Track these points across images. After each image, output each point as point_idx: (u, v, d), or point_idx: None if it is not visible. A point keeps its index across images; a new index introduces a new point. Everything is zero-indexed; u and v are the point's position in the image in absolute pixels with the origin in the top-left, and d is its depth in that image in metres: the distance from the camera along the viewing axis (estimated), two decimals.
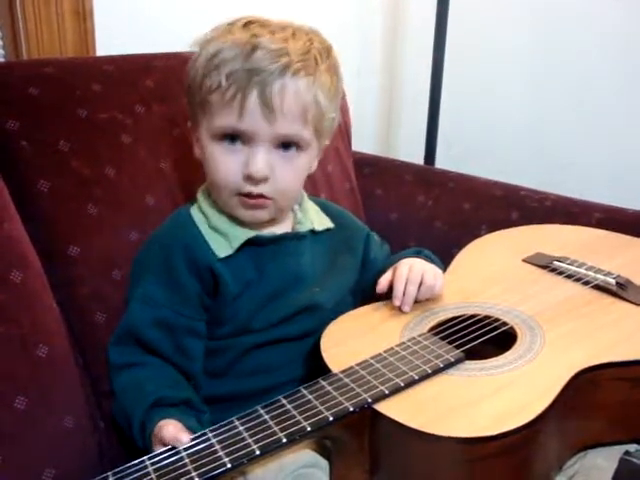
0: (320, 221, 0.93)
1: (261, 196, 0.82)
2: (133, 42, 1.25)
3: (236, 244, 0.85)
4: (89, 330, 0.89)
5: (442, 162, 1.60)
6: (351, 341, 0.81)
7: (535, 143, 1.68)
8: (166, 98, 1.03)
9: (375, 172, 1.40)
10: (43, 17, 1.15)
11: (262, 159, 0.80)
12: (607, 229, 1.11)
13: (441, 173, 1.37)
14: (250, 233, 0.86)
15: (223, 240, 0.85)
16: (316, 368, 0.78)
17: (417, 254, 0.95)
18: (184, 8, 1.36)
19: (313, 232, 0.92)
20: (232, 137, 0.80)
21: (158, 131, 1.01)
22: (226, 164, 0.81)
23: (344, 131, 1.37)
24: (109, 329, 0.89)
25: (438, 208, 1.30)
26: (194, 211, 0.89)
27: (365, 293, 0.97)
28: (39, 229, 0.87)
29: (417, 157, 1.60)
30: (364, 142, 1.57)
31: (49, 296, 0.84)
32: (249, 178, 0.81)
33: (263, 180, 0.81)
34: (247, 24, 0.80)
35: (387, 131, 1.95)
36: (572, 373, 0.72)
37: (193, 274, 0.83)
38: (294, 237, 0.89)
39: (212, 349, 0.85)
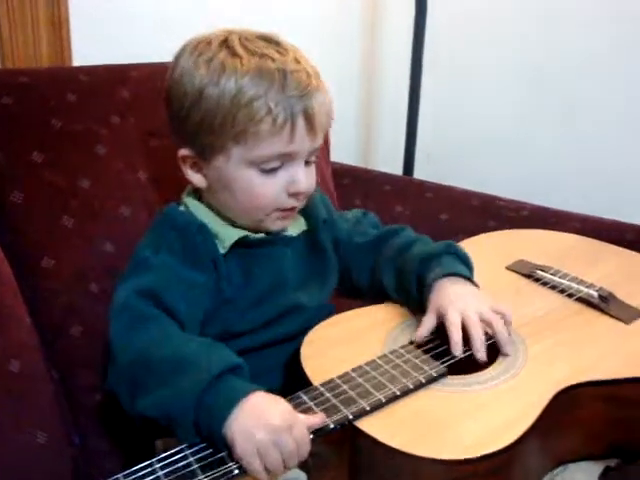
0: (297, 224, 0.92)
1: (295, 206, 0.85)
2: (110, 52, 1.23)
3: (228, 244, 0.84)
4: (65, 344, 0.88)
5: (421, 173, 1.60)
6: (332, 350, 0.81)
7: (514, 154, 1.70)
8: (142, 109, 1.02)
9: (354, 182, 1.40)
10: (18, 25, 1.14)
11: (305, 175, 0.82)
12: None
13: (419, 183, 1.38)
14: (240, 233, 0.85)
15: (216, 240, 0.85)
16: (297, 375, 0.78)
17: (447, 252, 0.90)
18: (162, 18, 1.35)
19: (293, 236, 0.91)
20: (275, 163, 0.80)
21: (134, 142, 1.00)
22: (269, 188, 0.81)
23: (323, 141, 1.37)
24: (86, 343, 0.88)
25: (416, 218, 1.29)
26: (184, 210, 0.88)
27: (344, 274, 0.97)
28: (13, 241, 0.86)
29: (396, 168, 1.60)
30: (343, 153, 1.57)
31: (22, 309, 0.82)
32: (296, 195, 0.83)
33: None
34: (240, 42, 0.79)
35: (366, 142, 1.95)
36: (554, 392, 0.71)
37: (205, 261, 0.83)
38: (280, 241, 0.89)
39: None
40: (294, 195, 0.82)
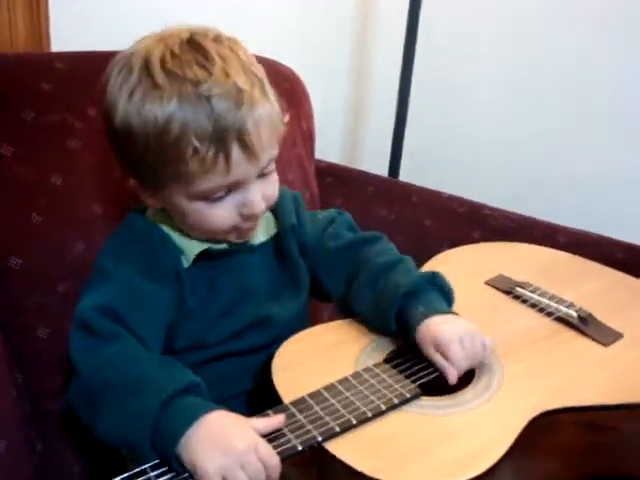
0: (267, 227, 0.89)
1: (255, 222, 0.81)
2: (92, 36, 1.19)
3: (190, 257, 0.81)
4: (30, 346, 0.85)
5: (407, 173, 1.58)
6: (304, 365, 0.78)
7: (503, 160, 1.67)
8: None
9: (337, 182, 1.37)
10: None
11: (257, 196, 0.77)
12: (571, 253, 1.10)
13: (404, 186, 1.34)
14: (202, 246, 0.82)
15: (179, 253, 0.82)
16: (267, 382, 0.76)
17: (431, 285, 0.84)
18: (146, 3, 1.31)
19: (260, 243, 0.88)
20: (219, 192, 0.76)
21: None
22: (219, 216, 0.76)
23: (307, 137, 1.34)
24: (52, 345, 0.85)
25: (399, 223, 1.27)
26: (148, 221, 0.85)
27: (314, 280, 0.93)
28: None
29: (382, 168, 1.57)
30: (329, 149, 1.54)
31: None
32: (250, 217, 0.78)
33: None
34: (162, 63, 0.71)
35: (353, 140, 1.92)
36: (530, 417, 0.70)
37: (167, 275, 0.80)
38: (245, 250, 0.86)
39: None
40: (248, 218, 0.78)
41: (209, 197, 0.75)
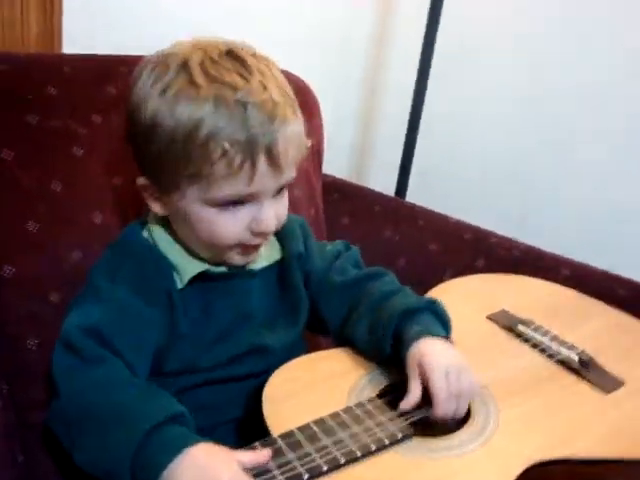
0: (270, 253, 0.87)
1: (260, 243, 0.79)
2: (105, 38, 1.18)
3: (186, 278, 0.79)
4: (18, 357, 0.83)
5: (414, 191, 1.56)
6: (296, 395, 0.76)
7: (511, 186, 1.65)
8: None
9: (343, 198, 1.35)
10: (5, 5, 1.08)
11: (272, 213, 0.76)
12: (574, 287, 1.08)
13: (411, 208, 1.32)
14: (200, 267, 0.80)
15: (174, 273, 0.80)
16: (257, 410, 0.74)
17: (428, 310, 0.83)
18: (160, 6, 1.29)
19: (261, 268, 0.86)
20: (236, 202, 0.74)
21: (114, 144, 0.94)
22: (228, 227, 0.75)
23: (315, 152, 1.32)
24: (41, 356, 0.83)
25: (404, 245, 1.25)
26: (146, 236, 0.83)
27: (313, 311, 0.92)
28: None
29: (389, 182, 1.55)
30: (337, 164, 1.53)
31: None
32: (260, 234, 0.77)
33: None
34: (202, 66, 0.71)
35: (362, 152, 1.90)
36: (524, 466, 0.68)
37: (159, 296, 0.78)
38: (245, 274, 0.84)
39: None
40: (258, 234, 0.77)
41: (223, 205, 0.73)
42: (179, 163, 0.71)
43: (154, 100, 0.72)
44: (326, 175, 1.38)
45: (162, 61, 0.74)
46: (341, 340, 0.88)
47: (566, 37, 1.50)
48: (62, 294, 0.85)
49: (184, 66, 0.72)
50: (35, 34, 1.12)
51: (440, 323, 0.82)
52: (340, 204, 1.34)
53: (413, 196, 1.49)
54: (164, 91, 0.71)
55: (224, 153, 0.69)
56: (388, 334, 0.80)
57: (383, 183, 1.53)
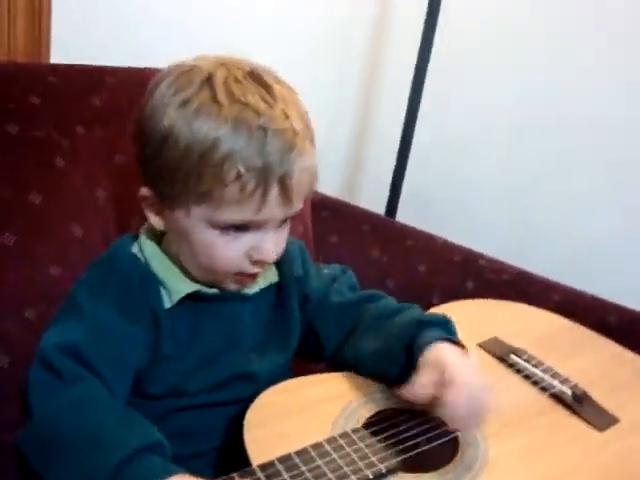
0: (267, 275, 0.84)
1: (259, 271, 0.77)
2: (95, 48, 1.16)
3: (176, 298, 0.76)
4: None
5: (405, 213, 1.54)
6: (279, 422, 0.73)
7: (503, 208, 1.64)
8: (112, 121, 0.95)
9: (332, 217, 1.32)
10: None
11: (273, 244, 0.73)
12: (565, 312, 1.05)
13: (400, 228, 1.30)
14: (192, 287, 0.77)
15: (164, 291, 0.77)
16: (238, 437, 0.71)
17: (444, 324, 0.82)
18: (155, 16, 1.27)
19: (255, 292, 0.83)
20: (240, 227, 0.72)
21: (97, 156, 0.92)
22: (227, 251, 0.72)
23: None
24: (12, 374, 0.80)
25: (392, 266, 1.23)
26: (136, 251, 0.79)
27: (308, 335, 0.89)
28: None
29: (379, 204, 1.54)
30: (326, 180, 1.51)
31: None
32: (259, 262, 0.74)
33: None
34: (226, 84, 0.69)
35: (352, 173, 1.89)
36: None
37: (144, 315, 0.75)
38: (238, 298, 0.81)
39: (132, 405, 0.76)
40: (257, 263, 0.74)
41: (227, 228, 0.71)
42: (190, 180, 0.68)
43: (173, 111, 0.69)
44: (315, 192, 1.35)
45: (185, 72, 0.71)
46: (336, 363, 0.86)
47: (566, 65, 1.49)
48: (38, 310, 0.83)
49: (208, 81, 0.69)
50: (23, 43, 1.10)
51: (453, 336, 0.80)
52: (329, 222, 1.32)
53: (405, 216, 1.48)
54: (184, 104, 0.69)
55: (238, 177, 0.67)
56: (403, 345, 0.78)
57: (375, 202, 1.51)
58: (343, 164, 1.89)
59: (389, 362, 0.80)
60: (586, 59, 1.46)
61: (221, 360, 0.79)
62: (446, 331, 0.80)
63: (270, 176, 0.67)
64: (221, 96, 0.68)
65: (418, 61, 1.43)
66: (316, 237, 1.29)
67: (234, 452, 0.71)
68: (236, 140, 0.66)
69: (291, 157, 0.68)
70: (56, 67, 0.98)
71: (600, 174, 1.47)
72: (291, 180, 0.68)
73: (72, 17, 1.16)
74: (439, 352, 0.75)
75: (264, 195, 0.68)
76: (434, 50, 1.43)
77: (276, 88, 0.71)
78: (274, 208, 0.70)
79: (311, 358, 0.91)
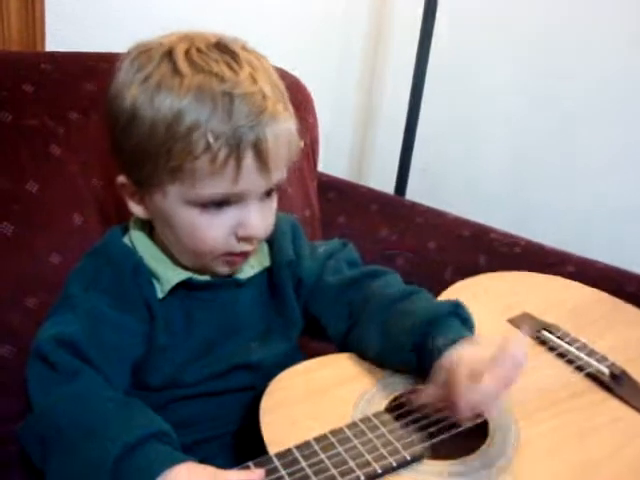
0: (259, 259, 0.81)
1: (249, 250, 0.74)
2: (89, 38, 1.15)
3: (167, 287, 0.74)
4: None
5: (414, 192, 1.51)
6: (296, 406, 0.70)
7: (512, 181, 1.60)
8: None
9: (339, 198, 1.31)
10: None
11: (259, 217, 0.71)
12: (579, 283, 1.01)
13: (410, 206, 1.28)
14: (183, 275, 0.75)
15: (156, 281, 0.75)
16: (252, 425, 0.68)
17: (454, 314, 0.76)
18: (152, 5, 1.26)
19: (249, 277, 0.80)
20: (220, 203, 0.69)
21: (94, 143, 0.90)
22: (212, 231, 0.70)
23: (310, 150, 1.28)
24: (17, 364, 0.79)
25: (402, 244, 1.21)
26: (127, 242, 0.78)
27: (310, 319, 0.85)
28: None
29: (388, 184, 1.51)
30: (334, 163, 1.49)
31: None
32: (246, 239, 0.71)
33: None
34: (187, 55, 0.67)
35: (360, 154, 1.86)
36: None
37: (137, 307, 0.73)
38: (232, 284, 0.78)
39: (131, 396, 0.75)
40: (244, 239, 0.71)
41: (207, 205, 0.68)
42: (160, 157, 0.66)
43: (134, 89, 0.67)
44: (322, 174, 1.34)
45: (146, 50, 0.69)
46: (345, 347, 0.82)
47: (570, 38, 1.45)
48: (39, 299, 0.82)
49: (168, 55, 0.67)
50: (17, 35, 1.09)
51: (467, 328, 0.76)
52: (336, 203, 1.30)
53: (414, 195, 1.45)
54: (145, 79, 0.67)
55: (207, 147, 0.64)
56: (409, 344, 0.74)
57: (384, 183, 1.49)
58: (350, 147, 1.86)
59: (398, 362, 0.76)
60: (589, 26, 1.42)
61: (219, 350, 0.77)
62: (458, 318, 0.76)
63: (241, 143, 0.64)
64: (182, 67, 0.65)
65: (421, 39, 1.40)
66: (324, 219, 1.27)
67: (247, 441, 0.70)
68: (200, 109, 0.64)
69: (262, 121, 0.65)
70: (49, 54, 0.97)
71: (609, 137, 1.44)
72: (265, 145, 0.66)
73: (65, 6, 1.14)
74: (457, 356, 0.69)
75: (238, 164, 0.65)
76: (437, 28, 1.40)
77: (242, 54, 0.68)
78: (252, 177, 0.67)
79: (322, 339, 0.88)
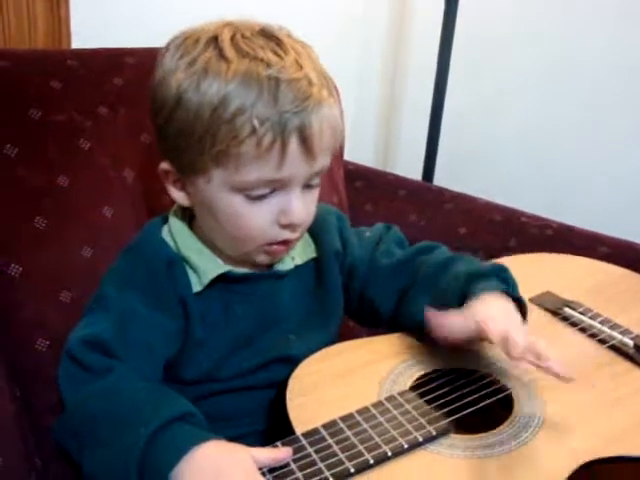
0: (303, 250, 0.81)
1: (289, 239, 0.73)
2: (115, 35, 1.15)
3: (206, 280, 0.74)
4: (29, 360, 0.80)
5: (441, 178, 1.50)
6: (322, 389, 0.71)
7: (541, 164, 1.58)
8: (135, 99, 0.93)
9: (367, 186, 1.30)
10: (11, 2, 1.06)
11: (301, 204, 0.70)
12: (615, 264, 1.00)
13: (438, 191, 1.27)
14: (222, 268, 0.75)
15: (194, 274, 0.75)
16: (282, 415, 0.68)
17: (497, 275, 0.79)
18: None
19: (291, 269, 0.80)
20: (264, 195, 0.69)
21: (123, 136, 0.91)
22: (256, 218, 0.69)
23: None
24: (52, 358, 0.80)
25: (431, 230, 1.19)
26: (165, 234, 0.77)
27: (364, 303, 0.86)
28: None
29: (416, 171, 1.50)
30: (361, 152, 1.48)
31: None
32: (288, 226, 0.71)
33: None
34: (233, 41, 0.67)
35: (386, 142, 1.85)
36: (573, 467, 0.60)
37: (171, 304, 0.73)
38: (272, 277, 0.78)
39: None
40: (287, 227, 0.71)
41: (251, 192, 0.68)
42: (205, 141, 0.66)
43: (180, 74, 0.67)
44: (348, 162, 1.33)
45: (191, 36, 0.69)
46: (395, 325, 0.83)
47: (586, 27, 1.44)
48: (73, 293, 0.82)
49: (214, 40, 0.67)
50: (43, 32, 1.10)
51: (511, 288, 0.77)
52: (363, 191, 1.29)
53: (442, 181, 1.44)
54: (190, 64, 0.66)
55: (253, 131, 0.64)
56: (454, 298, 0.76)
57: (411, 171, 1.48)
58: (374, 139, 1.85)
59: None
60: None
61: (257, 343, 0.76)
62: (500, 281, 0.77)
63: (286, 128, 0.64)
64: (228, 53, 0.65)
65: (444, 26, 1.39)
66: (351, 207, 1.26)
67: (276, 435, 0.69)
68: (246, 94, 0.63)
69: (307, 107, 0.65)
70: (75, 51, 0.98)
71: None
72: (310, 131, 0.65)
73: (91, 3, 1.15)
74: (481, 304, 0.72)
75: (283, 148, 0.65)
76: (460, 14, 1.39)
77: (288, 41, 0.68)
78: (296, 163, 0.66)
79: (370, 324, 0.89)
